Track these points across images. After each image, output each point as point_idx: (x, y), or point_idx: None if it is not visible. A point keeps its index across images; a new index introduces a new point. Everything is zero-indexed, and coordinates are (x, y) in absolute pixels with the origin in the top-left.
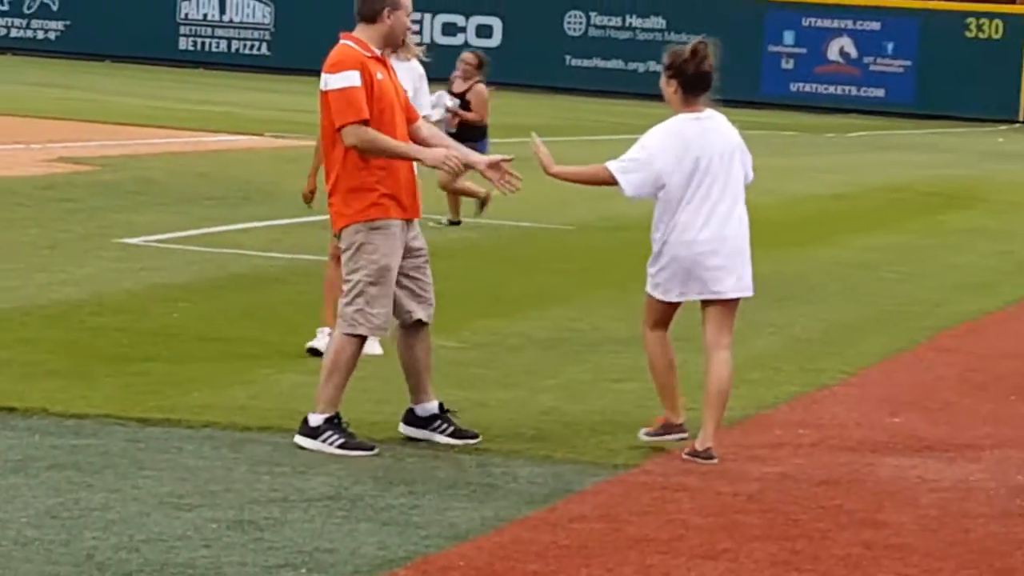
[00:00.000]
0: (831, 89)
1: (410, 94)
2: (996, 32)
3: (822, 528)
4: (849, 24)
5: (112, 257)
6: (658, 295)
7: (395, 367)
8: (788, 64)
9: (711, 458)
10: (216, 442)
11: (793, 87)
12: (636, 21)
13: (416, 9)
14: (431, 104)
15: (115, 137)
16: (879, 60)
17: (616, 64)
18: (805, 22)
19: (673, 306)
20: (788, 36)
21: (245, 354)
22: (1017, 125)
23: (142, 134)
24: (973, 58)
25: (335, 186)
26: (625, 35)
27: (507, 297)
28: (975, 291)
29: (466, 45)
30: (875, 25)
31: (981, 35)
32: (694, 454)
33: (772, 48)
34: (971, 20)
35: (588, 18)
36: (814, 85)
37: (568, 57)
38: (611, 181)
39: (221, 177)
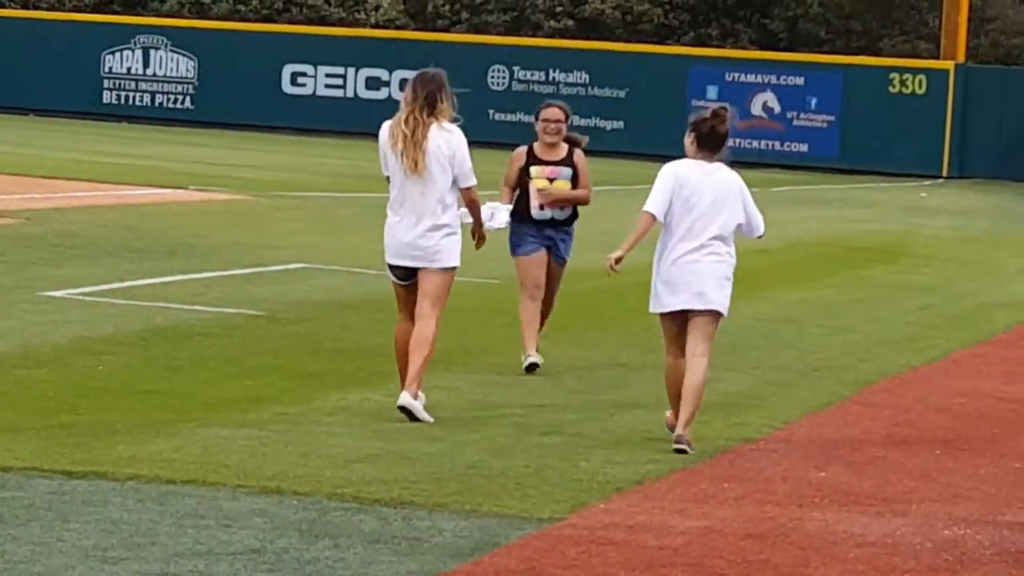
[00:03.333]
0: (754, 144)
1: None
2: (919, 87)
3: None
4: (772, 79)
5: (37, 310)
6: (655, 308)
7: (320, 419)
8: None
9: (680, 443)
10: (141, 495)
11: None
12: (560, 76)
13: (338, 63)
14: (490, 218)
15: (39, 190)
16: (802, 115)
17: None
18: (728, 77)
19: (670, 319)
20: (711, 91)
21: (169, 407)
22: (940, 180)
23: (66, 187)
24: (896, 113)
25: None
26: (548, 90)
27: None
28: (900, 346)
29: (389, 99)
30: (798, 80)
31: (904, 90)
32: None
33: (696, 103)
34: (894, 75)
35: (511, 72)
36: (737, 140)
37: (492, 111)
38: (648, 220)
39: (146, 230)
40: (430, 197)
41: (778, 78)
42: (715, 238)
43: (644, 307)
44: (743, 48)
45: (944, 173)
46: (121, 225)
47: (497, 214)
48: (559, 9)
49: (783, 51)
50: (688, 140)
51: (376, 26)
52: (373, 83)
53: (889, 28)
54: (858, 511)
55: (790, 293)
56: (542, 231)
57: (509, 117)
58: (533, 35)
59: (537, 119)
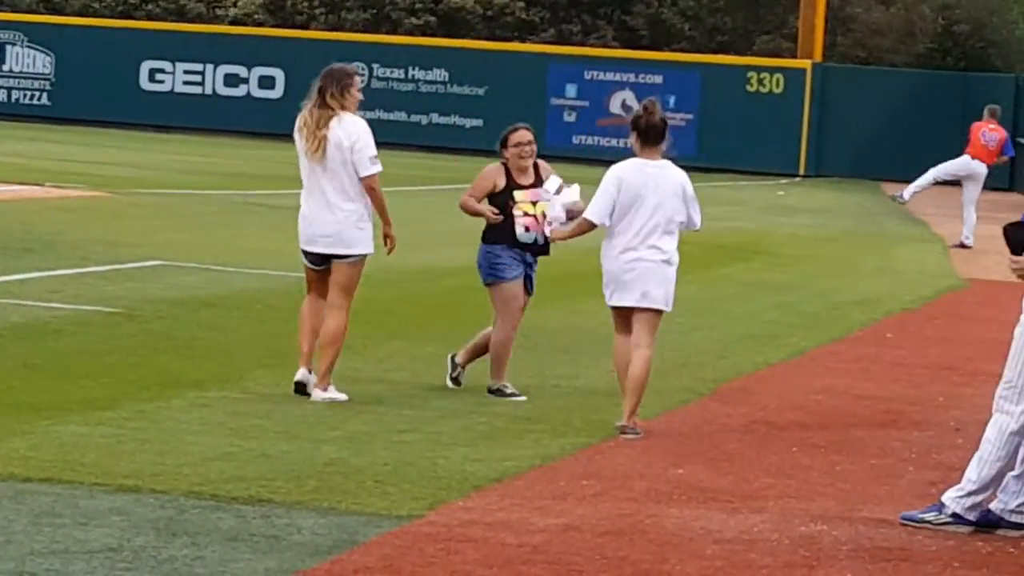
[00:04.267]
0: (613, 142)
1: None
2: (777, 87)
3: None
4: (631, 78)
5: None
6: (607, 301)
7: (178, 417)
8: (571, 117)
9: (625, 433)
10: None
11: (576, 140)
12: (419, 73)
13: (197, 60)
14: (559, 208)
15: None
16: None
17: (399, 116)
18: (587, 75)
19: (618, 311)
20: (571, 89)
21: (25, 404)
22: (797, 179)
23: None
24: (754, 112)
25: None
26: (408, 87)
27: (290, 348)
28: (758, 343)
29: (248, 96)
30: (657, 79)
31: (762, 89)
32: (621, 430)
33: (555, 101)
34: (752, 74)
35: (371, 70)
36: (596, 138)
37: None
38: (588, 225)
39: (2, 227)
40: (334, 186)
41: (637, 76)
42: (658, 236)
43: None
44: (605, 44)
45: (801, 172)
46: None
47: (567, 189)
48: (419, 5)
49: (643, 49)
50: (632, 140)
51: (234, 22)
52: (232, 80)
53: (753, 26)
54: (716, 508)
55: None
56: (524, 255)
57: (369, 115)
58: (393, 32)
59: (506, 146)
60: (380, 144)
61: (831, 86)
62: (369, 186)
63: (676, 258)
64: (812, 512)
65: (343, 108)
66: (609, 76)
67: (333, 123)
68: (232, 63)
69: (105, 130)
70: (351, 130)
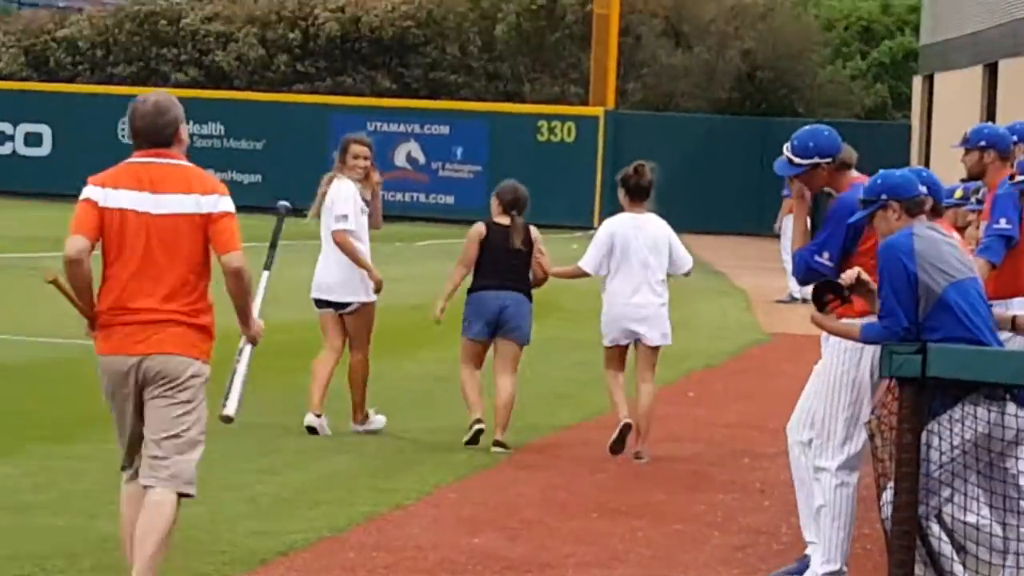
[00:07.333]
0: (399, 196)
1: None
2: (568, 135)
3: None
4: (416, 128)
5: None
6: (604, 341)
7: None
8: None
9: (640, 457)
10: None
11: None
12: (194, 128)
13: None
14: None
15: None
16: (448, 165)
17: None
18: (371, 126)
19: (614, 350)
20: None
21: None
22: (592, 231)
23: None
24: (546, 162)
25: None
26: None
27: (66, 419)
28: (554, 402)
29: (14, 154)
30: (444, 129)
31: (553, 138)
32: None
33: (336, 153)
34: (542, 123)
35: None
36: (381, 192)
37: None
38: (580, 271)
39: None
40: (330, 245)
41: (422, 127)
42: (649, 280)
43: (285, 366)
44: (384, 96)
45: (596, 224)
46: None
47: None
48: (184, 58)
49: (426, 99)
50: (620, 195)
51: None
52: None
53: (538, 73)
54: None
55: (442, 350)
56: None
57: None
58: (163, 86)
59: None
60: None
61: (625, 133)
62: (336, 240)
63: (667, 297)
64: None
65: (343, 172)
66: (393, 127)
67: (332, 184)
68: None
69: None
70: (336, 192)
